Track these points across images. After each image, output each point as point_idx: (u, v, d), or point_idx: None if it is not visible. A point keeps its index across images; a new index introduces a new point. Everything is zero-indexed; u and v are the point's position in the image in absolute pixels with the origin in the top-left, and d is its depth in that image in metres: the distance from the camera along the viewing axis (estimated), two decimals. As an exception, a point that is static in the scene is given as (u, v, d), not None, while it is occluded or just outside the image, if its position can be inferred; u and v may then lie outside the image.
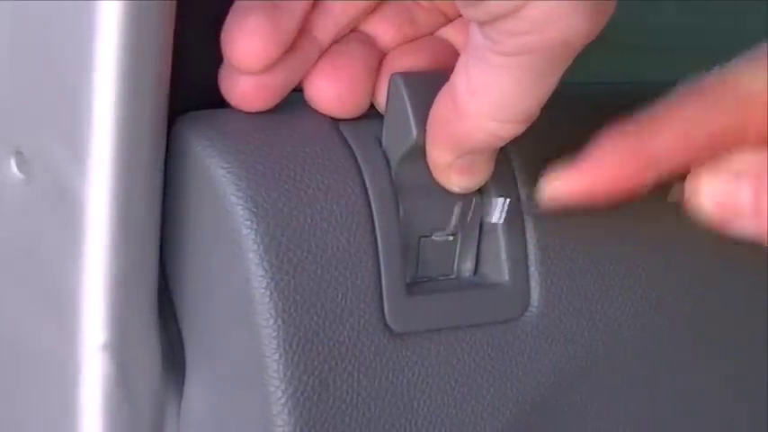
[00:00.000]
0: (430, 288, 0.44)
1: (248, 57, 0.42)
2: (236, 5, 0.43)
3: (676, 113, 0.40)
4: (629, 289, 0.48)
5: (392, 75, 0.43)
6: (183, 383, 0.45)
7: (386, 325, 0.43)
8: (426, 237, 0.44)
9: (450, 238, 0.45)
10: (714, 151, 0.40)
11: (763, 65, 0.39)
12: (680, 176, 0.41)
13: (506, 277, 0.45)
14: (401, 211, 0.43)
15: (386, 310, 0.43)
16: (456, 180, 0.43)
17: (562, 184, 0.41)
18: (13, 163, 0.43)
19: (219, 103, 0.44)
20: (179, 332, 0.45)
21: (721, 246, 0.49)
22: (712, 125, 0.40)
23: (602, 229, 0.47)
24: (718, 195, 0.41)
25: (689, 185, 0.41)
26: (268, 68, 0.43)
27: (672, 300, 0.49)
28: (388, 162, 0.44)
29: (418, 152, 0.43)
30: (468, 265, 0.45)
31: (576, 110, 0.49)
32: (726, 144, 0.40)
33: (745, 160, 0.40)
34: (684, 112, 0.40)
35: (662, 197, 0.42)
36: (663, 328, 0.49)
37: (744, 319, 0.51)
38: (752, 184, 0.40)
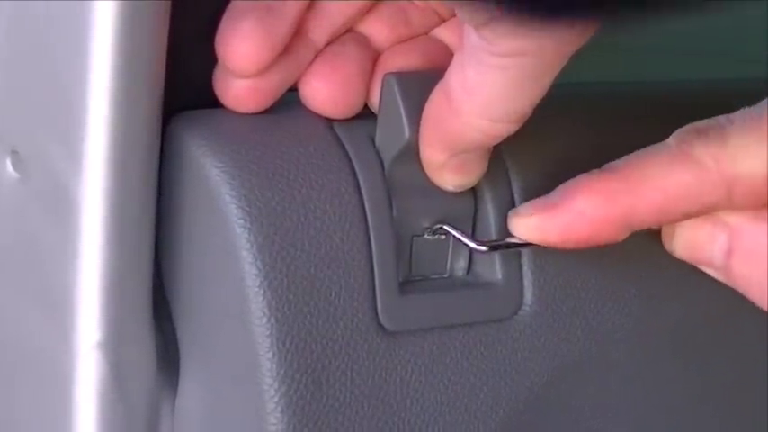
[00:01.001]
0: (423, 287, 0.44)
1: (242, 61, 0.42)
2: (230, 8, 0.43)
3: (660, 181, 0.40)
4: (622, 288, 0.48)
5: (385, 75, 0.43)
6: (177, 382, 0.46)
7: (379, 324, 0.43)
8: (419, 236, 0.44)
9: (443, 237, 0.45)
10: (690, 218, 0.41)
11: (754, 144, 0.39)
12: None
13: (499, 276, 0.45)
14: (394, 211, 0.44)
15: (379, 309, 0.43)
16: (450, 179, 0.43)
17: (537, 231, 0.41)
18: (8, 162, 0.44)
19: (214, 102, 0.44)
20: (173, 331, 0.46)
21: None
22: (693, 203, 0.40)
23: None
24: (692, 243, 0.41)
25: (666, 228, 0.42)
26: (262, 72, 0.43)
27: (666, 299, 0.49)
28: (381, 162, 0.44)
29: (411, 152, 0.43)
30: (461, 264, 0.45)
31: (571, 109, 0.49)
32: (703, 215, 0.40)
33: (726, 215, 0.40)
34: (668, 184, 0.40)
35: None
36: (656, 328, 0.49)
37: (741, 319, 0.51)
38: (727, 238, 0.40)
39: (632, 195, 0.40)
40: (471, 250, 0.45)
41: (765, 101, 0.40)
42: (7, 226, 0.44)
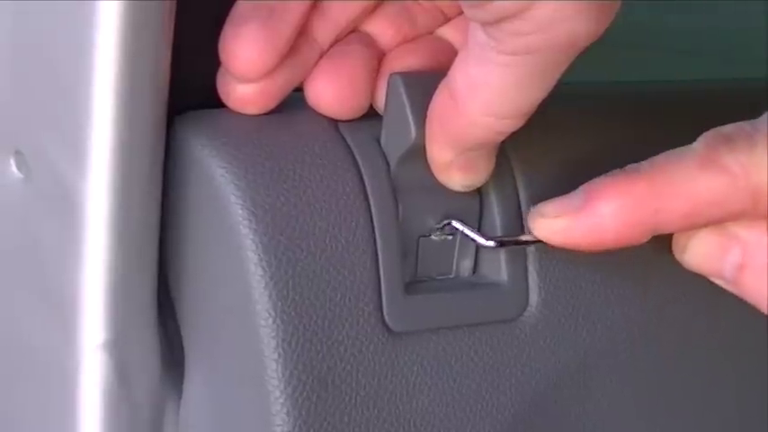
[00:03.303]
0: (429, 287, 0.44)
1: (245, 66, 0.42)
2: (232, 12, 0.43)
3: (687, 188, 0.39)
4: (627, 290, 0.48)
5: (391, 75, 0.43)
6: (182, 383, 0.46)
7: (384, 324, 0.43)
8: (425, 236, 0.44)
9: (449, 237, 0.45)
10: (712, 225, 0.40)
11: None
12: None
13: (505, 277, 0.45)
14: (400, 211, 0.43)
15: (385, 310, 0.43)
16: (458, 178, 0.43)
17: (561, 233, 0.41)
18: (12, 162, 0.43)
19: (219, 103, 0.44)
20: (178, 331, 0.45)
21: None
22: (719, 210, 0.39)
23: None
24: (703, 255, 0.41)
25: (677, 239, 0.42)
26: (265, 76, 0.43)
27: (671, 301, 0.49)
28: (387, 162, 0.44)
29: (417, 152, 0.43)
30: (466, 265, 0.45)
31: (575, 108, 0.49)
32: (726, 222, 0.40)
33: (741, 229, 0.40)
34: (696, 191, 0.39)
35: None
36: (661, 329, 0.49)
37: (745, 322, 0.51)
38: (741, 253, 0.40)
39: (659, 199, 0.40)
40: (478, 247, 0.45)
41: None
42: (11, 226, 0.44)
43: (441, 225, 0.44)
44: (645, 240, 0.41)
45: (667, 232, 0.41)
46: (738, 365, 0.52)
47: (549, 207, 0.41)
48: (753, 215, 0.40)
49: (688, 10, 0.78)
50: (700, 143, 0.40)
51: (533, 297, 0.46)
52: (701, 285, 0.46)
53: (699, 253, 0.41)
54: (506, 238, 0.44)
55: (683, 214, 0.40)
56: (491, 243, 0.44)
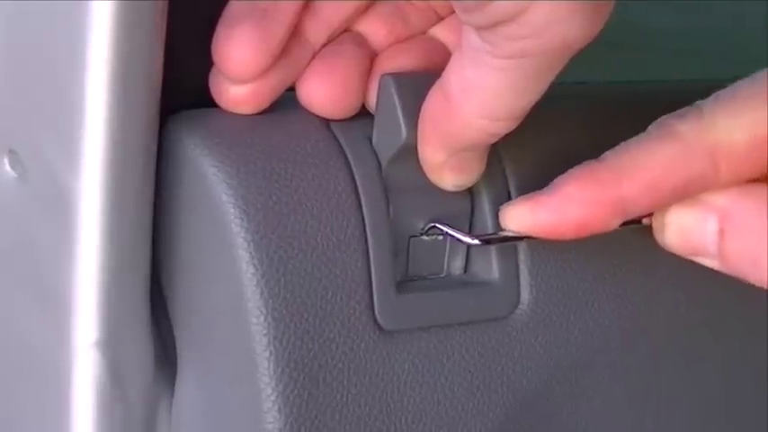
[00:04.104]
0: (420, 286, 0.44)
1: (238, 67, 0.42)
2: (225, 13, 0.43)
3: (646, 160, 0.40)
4: (619, 287, 0.48)
5: (382, 75, 0.43)
6: (174, 381, 0.46)
7: (376, 323, 0.43)
8: (416, 236, 0.44)
9: (441, 236, 0.45)
10: (681, 197, 0.41)
11: (737, 114, 0.39)
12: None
13: (496, 275, 0.45)
14: (391, 210, 0.44)
15: (376, 308, 0.43)
16: (450, 178, 0.43)
17: (528, 218, 0.41)
18: (6, 161, 0.44)
19: (211, 102, 0.44)
20: (171, 330, 0.46)
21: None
22: (680, 175, 0.40)
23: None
24: (683, 230, 0.41)
25: (656, 219, 0.42)
26: (258, 77, 0.43)
27: (663, 298, 0.49)
28: (378, 161, 0.44)
29: (408, 152, 0.43)
30: (458, 264, 0.46)
31: (569, 108, 0.49)
32: (693, 191, 0.40)
33: (713, 196, 0.40)
34: (654, 161, 0.40)
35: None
36: (654, 327, 0.49)
37: (739, 318, 0.51)
38: (718, 220, 0.40)
39: (621, 176, 0.40)
40: (468, 247, 0.45)
41: (737, 82, 0.40)
42: (5, 225, 0.44)
43: (426, 229, 0.44)
44: (616, 223, 0.41)
45: (637, 214, 0.41)
46: (734, 360, 0.52)
47: (519, 199, 0.42)
48: (716, 179, 0.40)
49: (685, 10, 0.78)
50: (653, 125, 0.41)
51: (525, 295, 0.46)
52: (694, 281, 0.46)
53: (678, 230, 0.41)
54: (492, 236, 0.44)
55: (645, 187, 0.40)
56: (476, 241, 0.44)
